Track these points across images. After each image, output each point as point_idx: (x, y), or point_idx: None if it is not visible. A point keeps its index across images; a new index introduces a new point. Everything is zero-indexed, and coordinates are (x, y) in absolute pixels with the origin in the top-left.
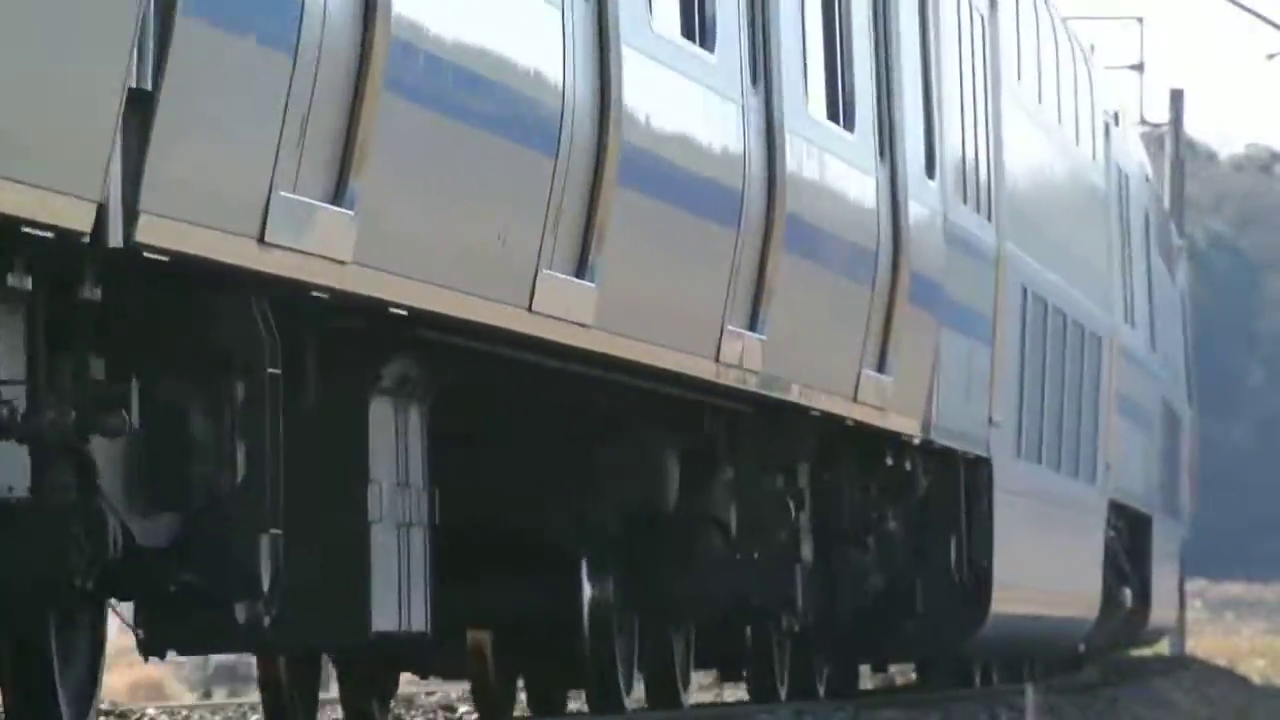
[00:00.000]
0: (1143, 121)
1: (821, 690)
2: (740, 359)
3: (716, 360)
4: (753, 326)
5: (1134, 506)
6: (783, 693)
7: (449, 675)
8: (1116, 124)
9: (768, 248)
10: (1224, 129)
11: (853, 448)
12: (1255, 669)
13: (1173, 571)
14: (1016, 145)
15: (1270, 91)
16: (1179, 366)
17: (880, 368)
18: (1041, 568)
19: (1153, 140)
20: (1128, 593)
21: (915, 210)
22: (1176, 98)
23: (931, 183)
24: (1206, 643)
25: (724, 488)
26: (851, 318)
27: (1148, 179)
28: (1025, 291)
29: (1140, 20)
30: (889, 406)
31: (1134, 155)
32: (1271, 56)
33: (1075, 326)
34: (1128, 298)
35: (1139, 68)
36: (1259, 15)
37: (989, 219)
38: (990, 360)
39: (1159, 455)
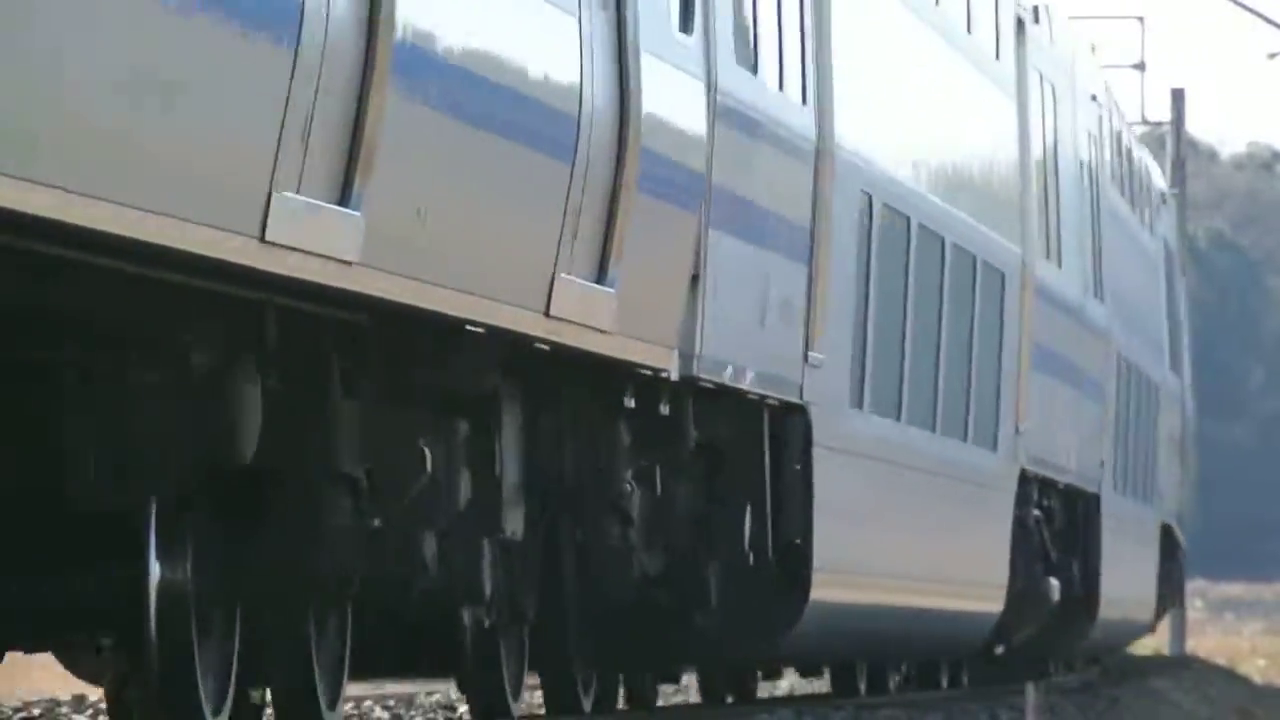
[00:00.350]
0: (1144, 121)
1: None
2: (313, 242)
3: (262, 239)
4: (343, 199)
5: (1069, 482)
6: (516, 708)
7: (86, 678)
8: (1036, 20)
9: (366, 89)
10: (1225, 128)
11: (590, 384)
12: (1256, 669)
13: (1142, 561)
14: (856, 18)
15: (1271, 91)
16: (1155, 328)
17: (598, 276)
18: (899, 548)
19: (1154, 139)
20: (1054, 584)
21: (654, 70)
22: (1177, 97)
23: (687, 39)
24: (1208, 642)
25: (349, 430)
26: (535, 202)
27: (1095, 99)
28: (870, 201)
29: (1141, 20)
30: (613, 327)
31: (1067, 64)
32: (1272, 56)
33: (960, 255)
34: (1051, 231)
35: (1140, 67)
36: (1260, 15)
37: (804, 102)
38: (807, 282)
39: (1118, 425)
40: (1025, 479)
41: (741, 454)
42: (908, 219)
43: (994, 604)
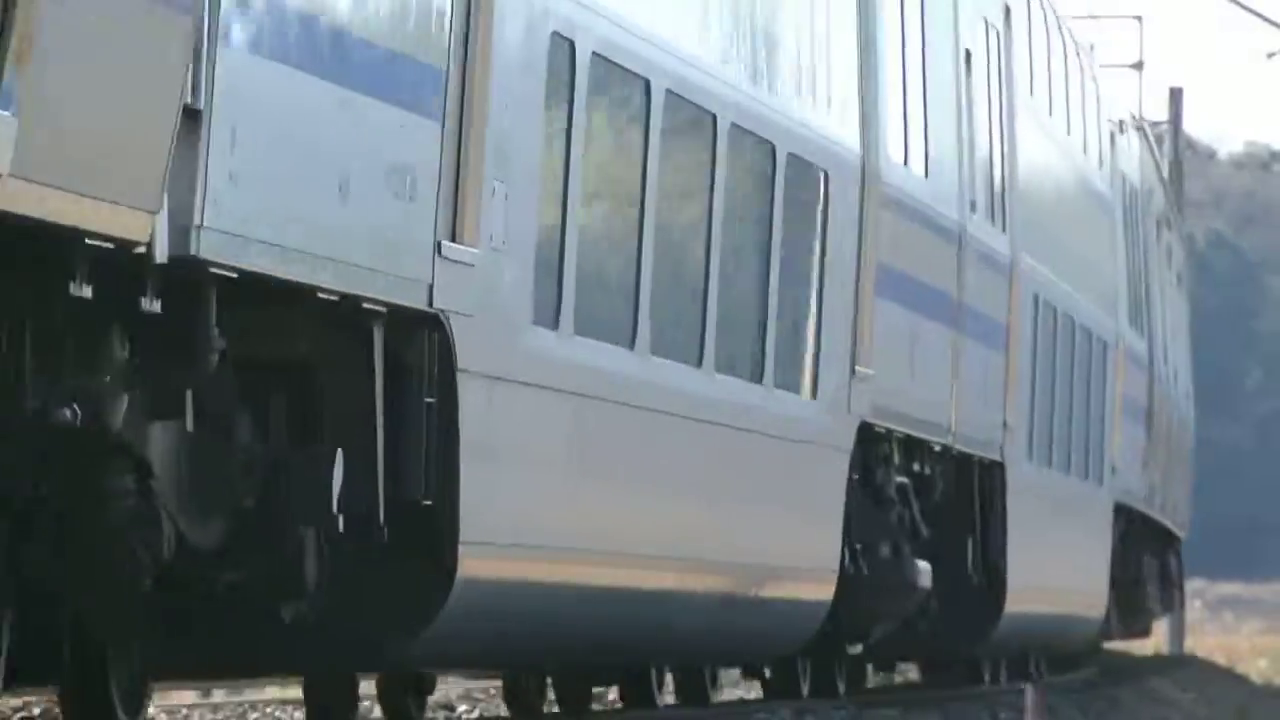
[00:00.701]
0: (1142, 119)
1: None
2: None
3: None
4: None
5: (947, 444)
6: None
7: None
8: None
9: None
10: (1223, 128)
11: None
12: (1256, 669)
13: (1081, 546)
14: None
15: (1270, 90)
16: (1105, 274)
17: None
18: (632, 517)
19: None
20: (922, 567)
21: None
22: (1176, 96)
23: None
24: (1207, 642)
25: None
26: None
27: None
28: (572, 50)
29: (1139, 19)
30: (11, 168)
31: None
32: (1271, 55)
33: (744, 139)
34: (913, 132)
35: (1138, 66)
36: (1259, 14)
37: None
38: (450, 150)
39: (1035, 381)
40: (875, 436)
41: (338, 380)
42: (646, 83)
43: (819, 591)
